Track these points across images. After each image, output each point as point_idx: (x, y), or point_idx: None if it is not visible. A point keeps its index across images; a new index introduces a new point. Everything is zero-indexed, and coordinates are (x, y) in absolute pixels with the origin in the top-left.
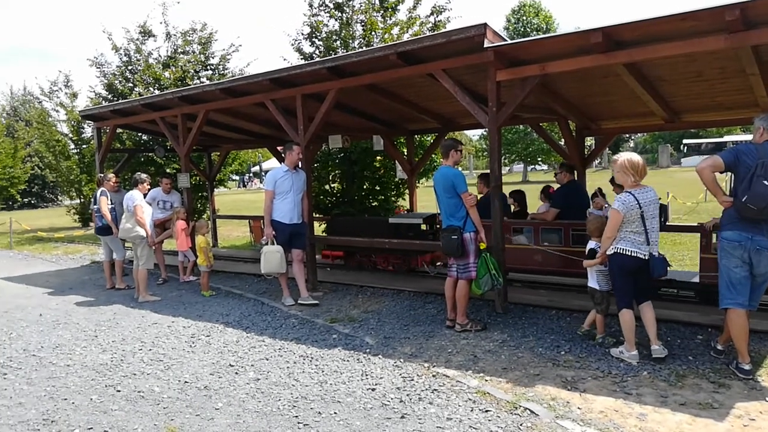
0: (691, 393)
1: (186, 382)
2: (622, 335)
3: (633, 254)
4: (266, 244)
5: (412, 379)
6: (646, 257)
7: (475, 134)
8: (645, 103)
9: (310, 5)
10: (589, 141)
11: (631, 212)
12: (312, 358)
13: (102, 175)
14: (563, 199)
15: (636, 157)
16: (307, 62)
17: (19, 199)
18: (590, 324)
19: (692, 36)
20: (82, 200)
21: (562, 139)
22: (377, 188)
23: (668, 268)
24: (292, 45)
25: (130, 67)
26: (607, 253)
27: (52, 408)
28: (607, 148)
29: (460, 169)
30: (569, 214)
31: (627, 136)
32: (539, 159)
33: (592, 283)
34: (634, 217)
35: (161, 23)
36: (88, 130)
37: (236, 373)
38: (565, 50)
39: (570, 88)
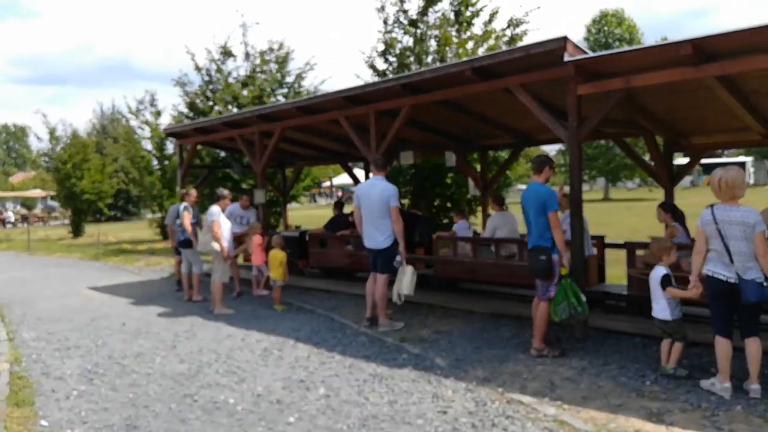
0: None
1: (259, 395)
2: (714, 366)
3: (718, 276)
4: (400, 265)
5: (485, 404)
6: (734, 281)
7: (552, 149)
8: (740, 118)
9: (385, 22)
10: (678, 157)
11: (707, 228)
12: (382, 377)
13: (184, 190)
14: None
15: (717, 173)
16: (381, 80)
17: (107, 212)
18: (673, 359)
19: None
20: (163, 214)
21: (647, 154)
22: (448, 205)
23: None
24: (366, 62)
25: (210, 86)
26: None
27: (134, 414)
28: (698, 165)
29: (551, 186)
30: None
31: (720, 151)
32: (622, 175)
33: (663, 313)
34: (711, 233)
35: (241, 43)
36: (170, 147)
37: (307, 388)
38: (652, 63)
39: (657, 101)
